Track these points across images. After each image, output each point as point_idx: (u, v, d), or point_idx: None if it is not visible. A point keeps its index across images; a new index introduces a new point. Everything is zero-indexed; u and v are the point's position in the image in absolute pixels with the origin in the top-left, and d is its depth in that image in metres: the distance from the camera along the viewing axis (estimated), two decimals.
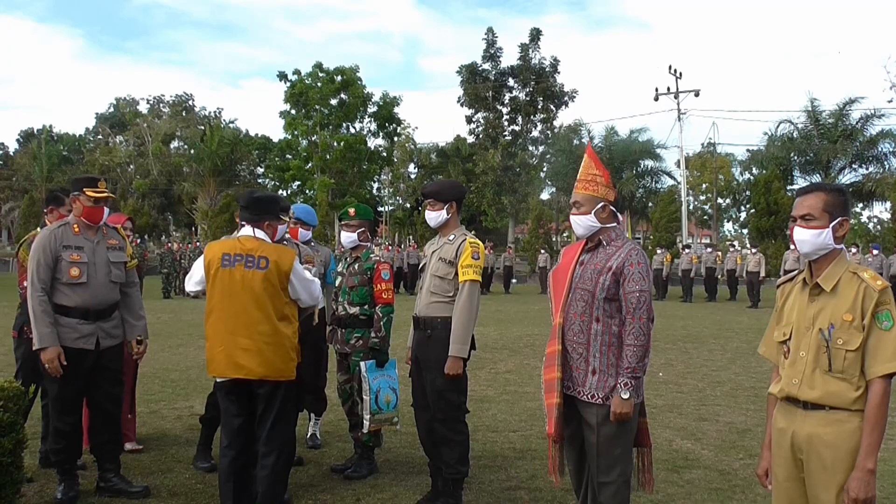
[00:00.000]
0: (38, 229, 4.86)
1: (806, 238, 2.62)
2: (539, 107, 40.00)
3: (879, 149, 31.29)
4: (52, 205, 4.98)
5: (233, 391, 3.92)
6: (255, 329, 3.81)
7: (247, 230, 3.99)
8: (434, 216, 4.35)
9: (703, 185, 52.86)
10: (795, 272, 2.80)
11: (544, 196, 43.75)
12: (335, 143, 39.32)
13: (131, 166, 53.51)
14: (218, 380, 4.01)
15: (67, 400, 4.27)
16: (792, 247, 3.23)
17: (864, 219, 41.07)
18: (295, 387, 4.01)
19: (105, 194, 4.37)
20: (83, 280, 4.25)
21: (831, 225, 2.60)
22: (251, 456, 3.93)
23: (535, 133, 41.06)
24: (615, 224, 3.38)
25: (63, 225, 4.36)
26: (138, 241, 23.90)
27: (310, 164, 39.47)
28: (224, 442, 3.95)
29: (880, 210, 36.22)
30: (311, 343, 5.31)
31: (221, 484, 3.93)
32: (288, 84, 39.10)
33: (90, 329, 4.28)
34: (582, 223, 3.33)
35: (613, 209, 3.37)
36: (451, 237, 4.34)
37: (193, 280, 4.11)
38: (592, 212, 3.31)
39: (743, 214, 43.21)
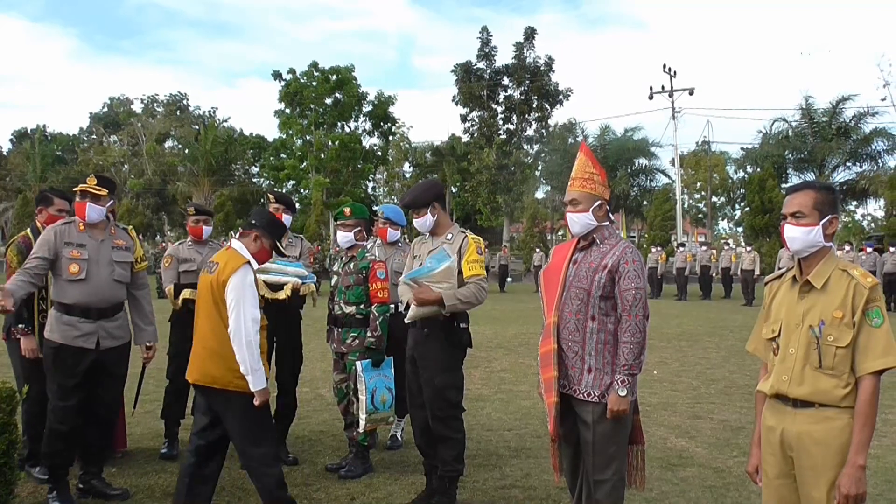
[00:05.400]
0: (28, 230, 4.82)
1: (797, 235, 2.63)
2: (534, 105, 39.98)
3: (873, 147, 31.39)
4: (42, 205, 4.91)
5: (199, 393, 3.89)
6: (199, 333, 3.81)
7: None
8: (421, 222, 4.32)
9: (698, 184, 52.92)
10: (784, 270, 2.82)
11: (539, 195, 43.74)
12: (330, 143, 39.24)
13: (125, 166, 53.25)
14: None
15: (66, 399, 4.17)
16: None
17: (857, 216, 41.25)
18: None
19: (83, 187, 4.24)
20: (82, 277, 4.21)
21: (821, 222, 2.61)
22: (209, 458, 3.84)
23: (529, 132, 41.05)
24: (608, 223, 3.39)
25: (69, 222, 4.33)
26: None
27: (305, 164, 39.38)
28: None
29: (874, 208, 36.41)
30: (290, 348, 5.30)
31: (178, 480, 3.90)
32: (283, 83, 39.04)
33: (91, 328, 4.23)
34: (579, 221, 3.33)
35: (608, 208, 3.38)
36: (449, 236, 4.30)
37: None
38: (590, 210, 3.31)
39: (738, 212, 43.32)
